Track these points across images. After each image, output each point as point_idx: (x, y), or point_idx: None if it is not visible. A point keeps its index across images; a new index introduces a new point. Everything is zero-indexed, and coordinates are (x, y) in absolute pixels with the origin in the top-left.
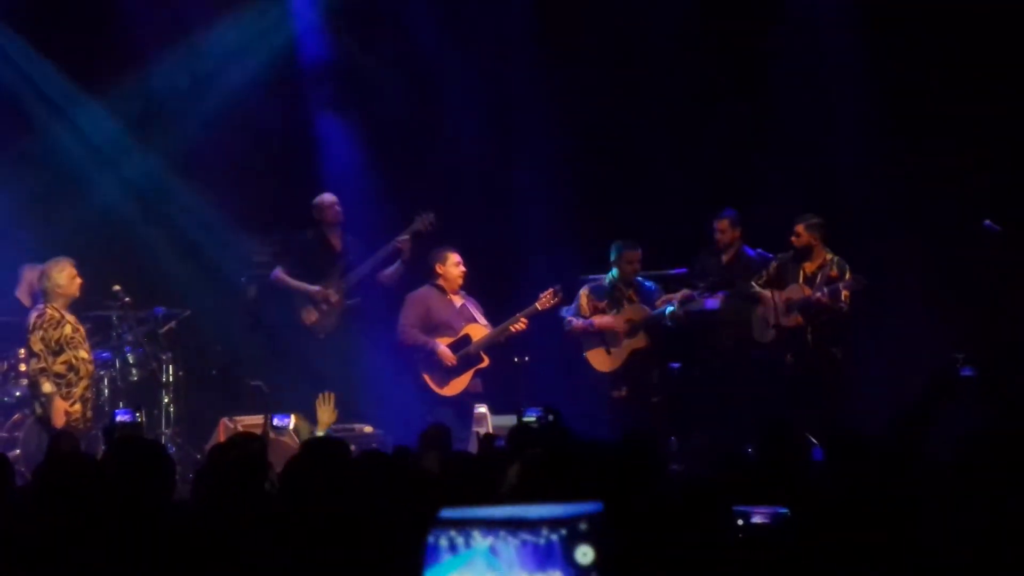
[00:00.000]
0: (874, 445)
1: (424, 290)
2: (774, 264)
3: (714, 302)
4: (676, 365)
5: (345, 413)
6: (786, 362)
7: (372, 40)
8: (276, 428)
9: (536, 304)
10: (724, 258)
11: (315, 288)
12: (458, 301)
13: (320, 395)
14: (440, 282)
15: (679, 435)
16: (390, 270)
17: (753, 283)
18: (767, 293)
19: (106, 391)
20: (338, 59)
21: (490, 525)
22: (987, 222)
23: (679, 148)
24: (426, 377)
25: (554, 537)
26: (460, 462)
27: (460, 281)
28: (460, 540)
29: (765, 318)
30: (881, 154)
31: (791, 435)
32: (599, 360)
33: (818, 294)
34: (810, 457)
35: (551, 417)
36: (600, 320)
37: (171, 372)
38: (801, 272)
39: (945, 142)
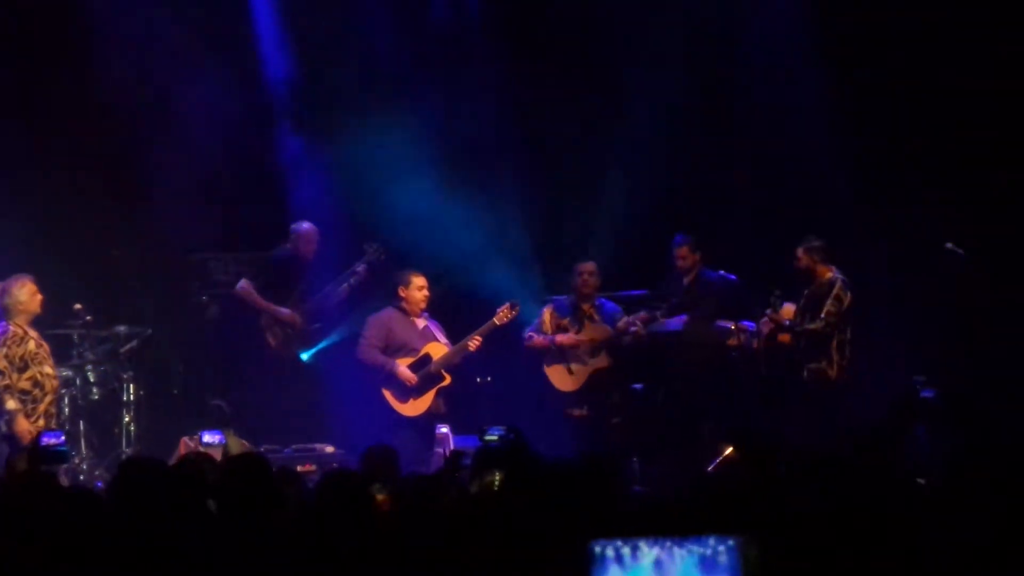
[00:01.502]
0: (835, 464)
1: (387, 311)
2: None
3: (676, 323)
4: (639, 386)
5: (308, 433)
6: (763, 378)
7: (336, 62)
8: (206, 444)
9: (494, 319)
10: (685, 280)
11: (286, 311)
12: (421, 323)
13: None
14: (403, 304)
15: (641, 456)
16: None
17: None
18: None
19: (67, 409)
20: (304, 83)
21: (657, 536)
22: (949, 245)
23: (643, 169)
24: (389, 397)
25: (721, 548)
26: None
27: (423, 304)
28: (627, 551)
29: None
30: (844, 176)
31: (752, 456)
32: (559, 378)
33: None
34: (772, 477)
35: (513, 436)
36: (562, 338)
37: (132, 391)
38: (806, 294)
39: (908, 169)
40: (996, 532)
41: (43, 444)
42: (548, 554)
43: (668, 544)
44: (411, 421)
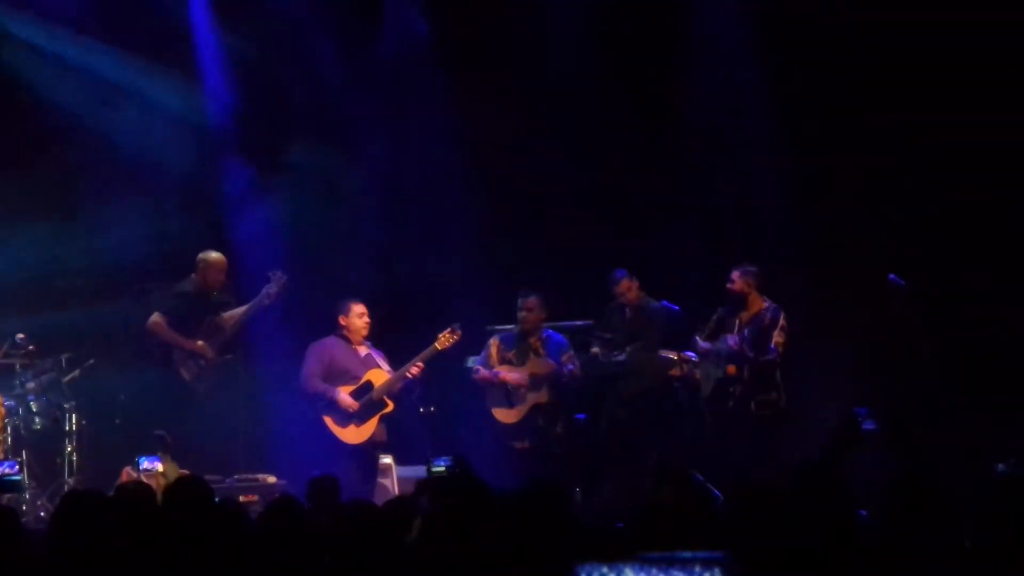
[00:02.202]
0: (776, 496)
1: (328, 340)
2: (715, 316)
3: (620, 354)
4: (582, 416)
5: (248, 463)
6: (709, 410)
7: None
8: (143, 471)
9: (435, 344)
10: (628, 312)
11: (194, 343)
12: (363, 351)
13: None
14: (344, 333)
15: (584, 486)
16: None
17: (697, 337)
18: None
19: (9, 439)
20: (250, 113)
21: (643, 561)
22: (892, 276)
23: (585, 194)
24: (330, 425)
25: (707, 574)
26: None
27: (365, 332)
28: (609, 573)
29: (707, 373)
30: (789, 203)
31: (691, 485)
32: (501, 412)
33: (730, 343)
34: (711, 506)
35: (458, 468)
36: (506, 374)
37: (74, 420)
38: (737, 321)
39: (852, 198)
40: (934, 562)
41: None
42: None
43: (654, 571)
44: (352, 449)
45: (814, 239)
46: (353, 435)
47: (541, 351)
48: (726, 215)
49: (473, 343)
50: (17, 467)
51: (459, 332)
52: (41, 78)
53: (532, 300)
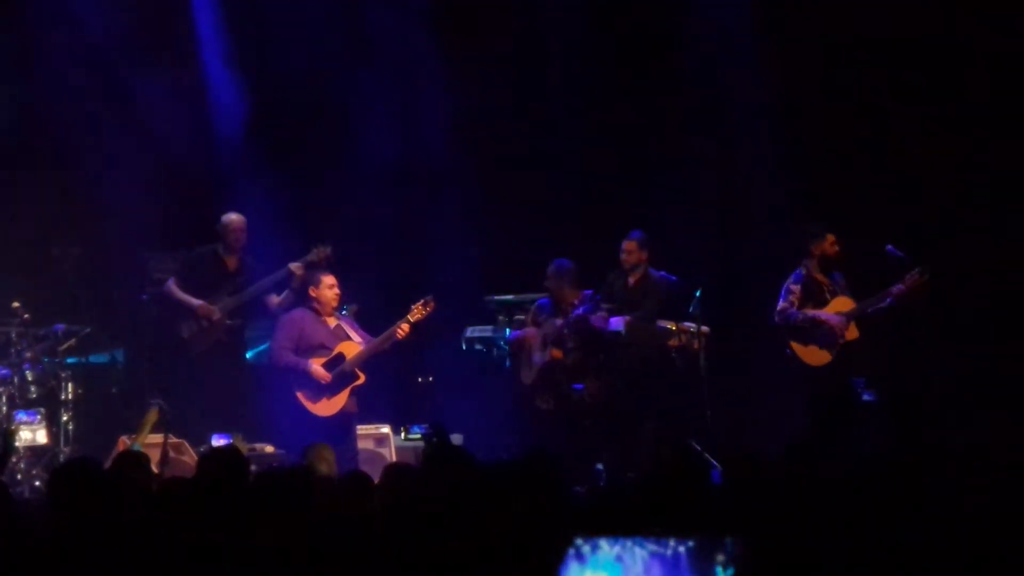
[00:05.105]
0: (772, 467)
1: (298, 312)
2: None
3: (618, 323)
4: (579, 387)
5: (245, 431)
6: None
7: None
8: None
9: (408, 316)
10: (630, 280)
11: (198, 303)
12: (332, 323)
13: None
14: (315, 305)
15: (580, 457)
16: (279, 297)
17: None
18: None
19: (4, 408)
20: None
21: (617, 535)
22: (890, 247)
23: (588, 167)
24: (301, 398)
25: (681, 549)
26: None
27: (335, 303)
28: (587, 548)
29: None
30: (784, 179)
31: (690, 458)
32: (524, 374)
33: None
34: (709, 480)
35: (435, 437)
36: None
37: (70, 389)
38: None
39: (851, 170)
40: (929, 531)
41: None
42: (509, 549)
43: (629, 543)
44: (325, 421)
45: (815, 208)
46: (324, 407)
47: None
48: (723, 188)
49: (472, 313)
50: (38, 417)
51: (432, 304)
52: (43, 47)
53: (550, 270)
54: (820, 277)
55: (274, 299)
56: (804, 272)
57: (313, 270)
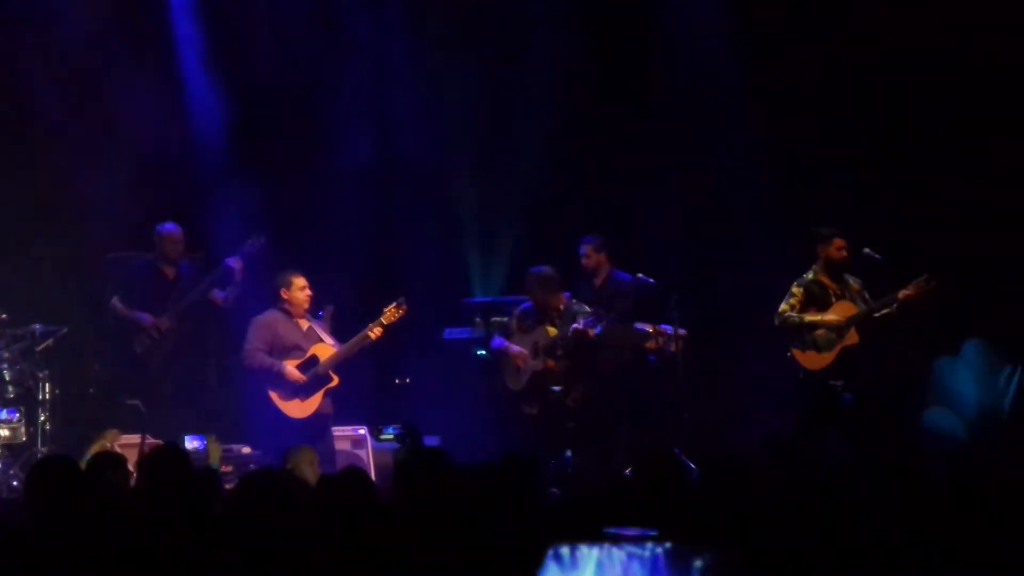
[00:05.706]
0: (749, 468)
1: (270, 314)
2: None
3: (598, 326)
4: (557, 389)
5: (221, 432)
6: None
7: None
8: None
9: (380, 319)
10: (596, 282)
11: (146, 318)
12: (304, 324)
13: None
14: (286, 306)
15: (554, 458)
16: (223, 294)
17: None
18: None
19: None
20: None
21: (596, 538)
22: (866, 250)
23: (565, 168)
24: (276, 399)
25: (659, 551)
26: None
27: (306, 304)
28: (566, 551)
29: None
30: (762, 181)
31: (666, 458)
32: (512, 380)
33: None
34: (686, 480)
35: (408, 437)
36: (509, 347)
37: (48, 390)
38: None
39: (824, 169)
40: (907, 532)
41: None
42: (489, 552)
43: (608, 546)
44: (300, 423)
45: (789, 209)
46: (299, 409)
47: (556, 320)
48: (703, 188)
49: (449, 315)
50: (17, 415)
51: (405, 306)
52: (26, 47)
53: (531, 279)
54: (826, 280)
55: (219, 296)
56: (810, 275)
57: (249, 261)
